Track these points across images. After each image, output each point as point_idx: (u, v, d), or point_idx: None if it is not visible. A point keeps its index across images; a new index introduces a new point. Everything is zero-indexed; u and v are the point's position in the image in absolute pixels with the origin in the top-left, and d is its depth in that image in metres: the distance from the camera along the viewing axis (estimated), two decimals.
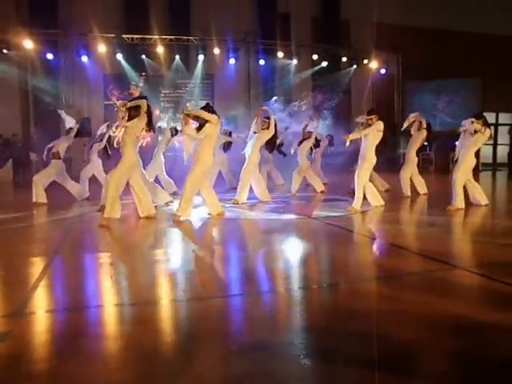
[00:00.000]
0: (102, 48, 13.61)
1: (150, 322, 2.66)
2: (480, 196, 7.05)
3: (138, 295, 3.20)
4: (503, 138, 18.08)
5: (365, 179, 6.80)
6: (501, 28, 16.17)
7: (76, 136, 8.15)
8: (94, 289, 3.44)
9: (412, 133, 8.50)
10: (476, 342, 2.36)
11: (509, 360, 2.19)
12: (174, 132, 9.02)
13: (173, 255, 4.52)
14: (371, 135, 6.70)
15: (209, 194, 6.37)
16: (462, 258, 4.25)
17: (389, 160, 12.77)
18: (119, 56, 13.91)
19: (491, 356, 2.22)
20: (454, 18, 15.78)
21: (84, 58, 13.76)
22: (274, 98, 10.10)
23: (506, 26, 16.14)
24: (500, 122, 17.68)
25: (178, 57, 14.28)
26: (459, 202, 6.66)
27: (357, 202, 6.70)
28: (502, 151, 18.03)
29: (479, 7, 15.85)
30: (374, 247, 4.81)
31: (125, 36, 13.80)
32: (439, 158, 15.07)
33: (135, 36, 13.86)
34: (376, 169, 8.24)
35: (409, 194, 8.33)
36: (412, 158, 8.46)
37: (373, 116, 6.77)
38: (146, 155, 7.57)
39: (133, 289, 3.37)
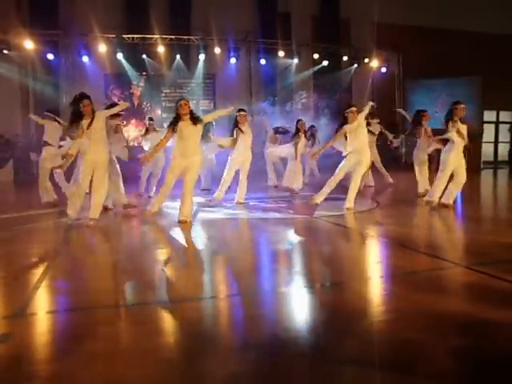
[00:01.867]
0: (102, 48, 13.57)
1: (151, 323, 2.67)
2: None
3: (140, 296, 3.20)
4: (504, 136, 18.07)
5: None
6: (501, 27, 16.19)
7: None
8: (96, 289, 3.43)
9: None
10: (480, 340, 2.37)
11: (508, 356, 2.21)
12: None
13: (175, 255, 4.51)
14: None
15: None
16: (464, 256, 4.25)
17: (392, 158, 12.79)
18: (120, 56, 13.87)
19: (494, 354, 2.23)
20: (453, 17, 15.78)
21: (85, 58, 13.72)
22: (268, 98, 10.19)
23: (505, 24, 16.17)
24: (500, 120, 17.67)
25: (178, 56, 14.24)
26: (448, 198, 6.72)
27: (351, 201, 6.78)
28: (503, 149, 18.03)
29: (479, 6, 15.84)
30: (377, 246, 4.82)
31: (125, 36, 13.76)
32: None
33: (136, 36, 13.81)
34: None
35: (421, 190, 8.31)
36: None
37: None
38: None
39: (135, 289, 3.37)
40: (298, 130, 9.02)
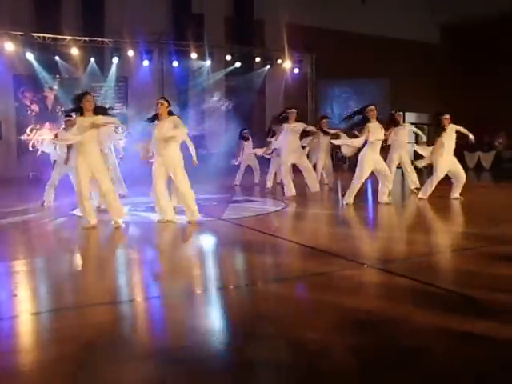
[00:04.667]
0: (9, 46, 12.84)
1: (59, 330, 2.64)
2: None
3: (57, 301, 3.21)
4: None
5: None
6: (407, 33, 17.34)
7: None
8: (4, 299, 3.33)
9: None
10: (377, 337, 2.49)
11: (405, 351, 2.35)
12: None
13: (95, 259, 4.58)
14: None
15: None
16: (368, 255, 4.36)
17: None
18: (30, 56, 13.29)
19: (390, 350, 2.37)
20: (364, 22, 16.58)
21: None
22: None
23: (411, 31, 17.34)
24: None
25: (92, 59, 13.99)
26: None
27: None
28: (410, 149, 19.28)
29: (389, 13, 16.81)
30: (283, 248, 4.91)
31: (35, 34, 13.19)
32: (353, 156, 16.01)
33: (47, 35, 13.28)
34: None
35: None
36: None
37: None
38: None
39: (53, 295, 3.36)
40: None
